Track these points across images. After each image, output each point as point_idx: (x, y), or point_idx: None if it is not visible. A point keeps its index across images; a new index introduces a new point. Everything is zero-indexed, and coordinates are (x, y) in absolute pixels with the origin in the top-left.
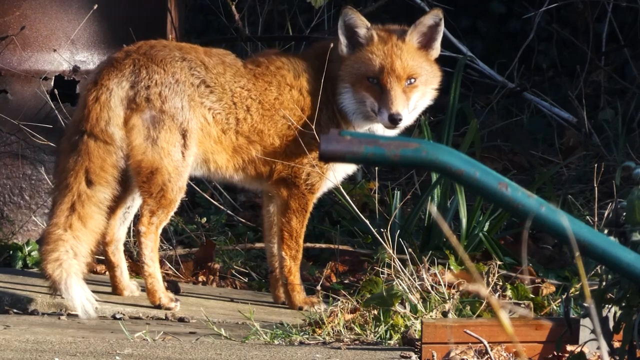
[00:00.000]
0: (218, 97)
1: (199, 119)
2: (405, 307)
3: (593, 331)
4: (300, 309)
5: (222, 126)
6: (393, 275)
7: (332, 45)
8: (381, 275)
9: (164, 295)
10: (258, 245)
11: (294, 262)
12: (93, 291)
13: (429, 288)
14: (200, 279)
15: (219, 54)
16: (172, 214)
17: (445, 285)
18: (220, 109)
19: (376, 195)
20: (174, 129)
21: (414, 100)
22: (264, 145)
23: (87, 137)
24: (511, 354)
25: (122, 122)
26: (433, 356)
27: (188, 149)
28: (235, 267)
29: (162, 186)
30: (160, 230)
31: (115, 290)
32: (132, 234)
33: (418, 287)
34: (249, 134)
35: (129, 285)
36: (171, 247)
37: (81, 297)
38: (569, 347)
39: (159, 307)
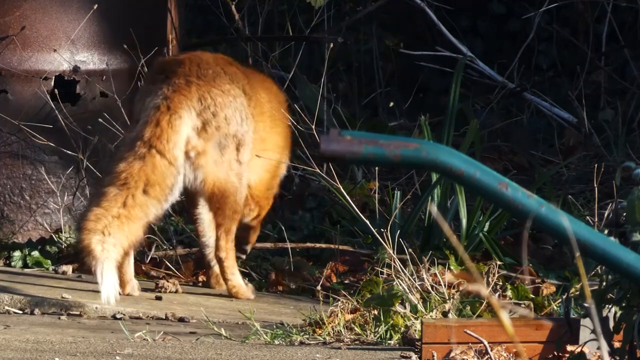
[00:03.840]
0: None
1: (251, 127)
2: (405, 307)
3: (593, 331)
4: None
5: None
6: (393, 276)
7: (332, 45)
8: (381, 276)
9: (247, 294)
10: (258, 245)
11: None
12: (93, 291)
13: (429, 288)
14: (200, 279)
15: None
16: None
17: (445, 285)
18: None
19: (376, 195)
20: (238, 146)
21: None
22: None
23: (156, 152)
24: (511, 354)
25: (190, 148)
26: (433, 356)
27: (244, 160)
28: None
29: (235, 206)
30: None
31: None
32: None
33: (418, 287)
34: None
35: (132, 281)
36: (171, 247)
37: (110, 286)
38: (569, 347)
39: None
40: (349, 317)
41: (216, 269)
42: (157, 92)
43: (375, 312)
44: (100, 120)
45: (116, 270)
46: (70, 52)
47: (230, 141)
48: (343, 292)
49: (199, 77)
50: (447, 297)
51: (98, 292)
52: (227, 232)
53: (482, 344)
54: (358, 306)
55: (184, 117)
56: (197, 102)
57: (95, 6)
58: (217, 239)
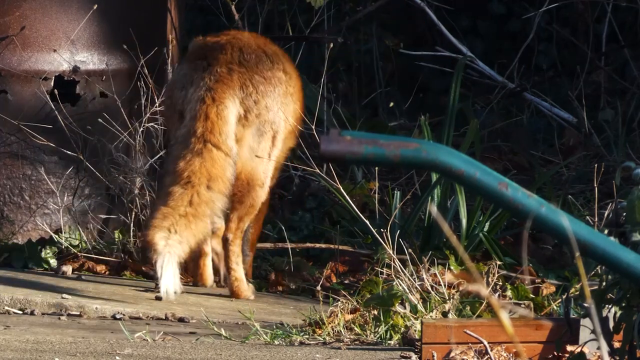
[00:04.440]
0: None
1: (283, 117)
2: (405, 308)
3: (593, 331)
4: None
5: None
6: (393, 276)
7: (332, 45)
8: (381, 276)
9: (247, 293)
10: (258, 245)
11: None
12: (93, 291)
13: (429, 288)
14: None
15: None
16: None
17: (445, 285)
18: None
19: (376, 195)
20: (275, 134)
21: None
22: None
23: (212, 145)
24: (511, 354)
25: (236, 136)
26: (433, 356)
27: (274, 155)
28: None
29: (255, 199)
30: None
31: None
32: (131, 234)
33: (418, 287)
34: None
35: (210, 277)
36: None
37: (169, 279)
38: (569, 347)
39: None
40: (349, 317)
41: (207, 261)
42: (199, 83)
43: (375, 312)
44: (100, 120)
45: (178, 265)
46: (70, 52)
47: (268, 128)
48: (343, 292)
49: (240, 63)
50: (447, 297)
51: (99, 291)
52: (239, 219)
53: (482, 344)
54: (358, 306)
55: (229, 106)
56: (239, 90)
57: (95, 6)
58: (229, 221)
